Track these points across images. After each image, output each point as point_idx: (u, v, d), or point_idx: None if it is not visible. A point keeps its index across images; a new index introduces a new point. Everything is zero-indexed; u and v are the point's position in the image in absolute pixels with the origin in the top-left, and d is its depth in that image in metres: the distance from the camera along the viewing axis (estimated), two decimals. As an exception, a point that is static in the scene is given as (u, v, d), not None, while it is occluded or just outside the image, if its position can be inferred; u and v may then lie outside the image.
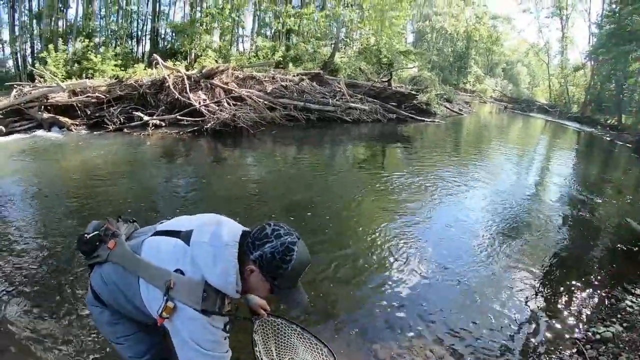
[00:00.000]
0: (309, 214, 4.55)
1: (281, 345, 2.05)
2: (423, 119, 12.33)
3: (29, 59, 15.78)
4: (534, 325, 2.89)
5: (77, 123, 9.32)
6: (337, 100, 10.81)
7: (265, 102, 9.56)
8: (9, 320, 2.54)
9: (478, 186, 5.98)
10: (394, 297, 3.10)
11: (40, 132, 8.92)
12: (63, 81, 10.31)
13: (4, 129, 8.52)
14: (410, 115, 12.17)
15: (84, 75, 12.10)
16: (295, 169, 6.81)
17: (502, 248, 4.02)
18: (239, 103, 9.33)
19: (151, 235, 1.34)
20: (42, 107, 9.47)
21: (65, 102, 9.56)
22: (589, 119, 17.24)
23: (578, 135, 13.81)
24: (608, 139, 12.87)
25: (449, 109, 15.10)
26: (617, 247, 4.24)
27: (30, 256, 3.33)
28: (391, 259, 3.65)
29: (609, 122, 16.85)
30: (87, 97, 9.72)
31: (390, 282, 3.29)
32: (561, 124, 16.22)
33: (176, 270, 1.20)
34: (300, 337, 2.05)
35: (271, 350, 2.00)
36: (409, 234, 4.15)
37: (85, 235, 1.38)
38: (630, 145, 11.35)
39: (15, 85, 10.08)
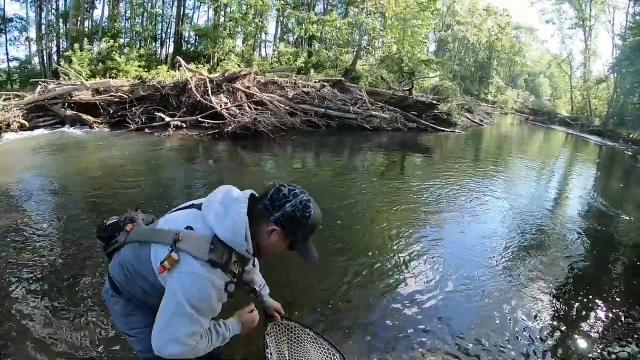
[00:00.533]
0: (328, 220, 4.43)
1: (294, 349, 2.03)
2: (443, 129, 12.13)
3: (55, 57, 16.22)
4: (549, 342, 2.81)
5: (100, 121, 9.47)
6: (357, 107, 10.70)
7: (286, 107, 9.53)
8: (25, 313, 2.55)
9: (498, 198, 5.88)
10: (410, 307, 3.05)
11: (63, 129, 9.10)
12: (87, 80, 10.50)
13: (27, 124, 8.70)
14: (430, 124, 11.98)
15: (107, 74, 12.33)
16: (315, 175, 6.74)
17: (520, 262, 3.94)
18: (260, 107, 9.31)
19: (166, 215, 1.38)
20: (66, 104, 9.67)
21: (88, 100, 9.73)
22: (610, 133, 16.78)
23: (599, 149, 13.43)
24: (630, 153, 12.49)
25: (469, 119, 14.85)
26: (636, 265, 4.13)
27: (47, 250, 3.35)
28: (408, 269, 3.61)
29: (631, 136, 16.27)
30: (110, 96, 9.87)
31: (406, 292, 3.24)
32: (582, 137, 15.84)
33: (186, 228, 1.23)
34: (314, 342, 2.02)
35: (284, 354, 1.97)
36: (428, 244, 4.09)
37: (105, 222, 1.45)
38: None
39: (40, 82, 10.31)
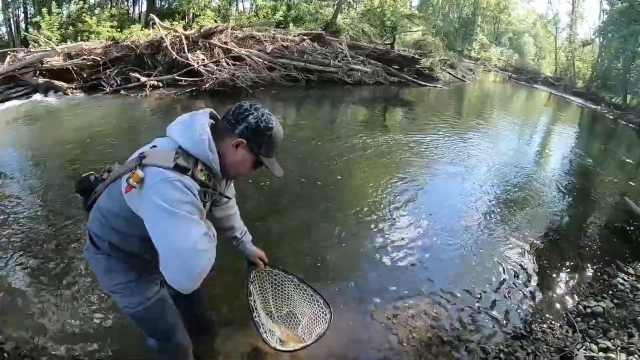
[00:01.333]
0: (311, 176, 4.51)
1: (279, 296, 2.06)
2: (425, 83, 12.07)
3: (23, 25, 15.40)
4: (526, 294, 2.95)
5: (73, 86, 9.12)
6: (338, 61, 10.54)
7: (265, 62, 9.34)
8: (10, 287, 2.57)
9: (478, 154, 5.96)
10: (392, 259, 3.15)
11: (36, 97, 8.74)
12: (58, 45, 10.04)
13: None
14: (412, 79, 11.90)
15: (79, 37, 11.79)
16: (296, 129, 6.72)
17: (499, 216, 4.06)
18: (238, 63, 9.11)
19: None
20: (37, 72, 9.25)
21: (60, 66, 9.33)
22: (593, 96, 16.71)
23: (581, 110, 13.54)
24: (611, 117, 12.55)
25: (452, 75, 14.76)
26: (612, 224, 4.29)
27: (29, 222, 3.33)
28: (391, 223, 3.69)
29: (613, 100, 16.41)
30: (82, 60, 9.48)
31: (389, 245, 3.34)
32: (565, 98, 15.86)
33: (151, 148, 1.25)
34: (297, 289, 2.05)
35: (268, 302, 2.02)
36: (410, 198, 4.18)
37: (81, 175, 1.44)
38: (633, 126, 11.12)
39: (9, 52, 9.85)
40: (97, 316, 2.37)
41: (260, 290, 1.97)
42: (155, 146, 1.26)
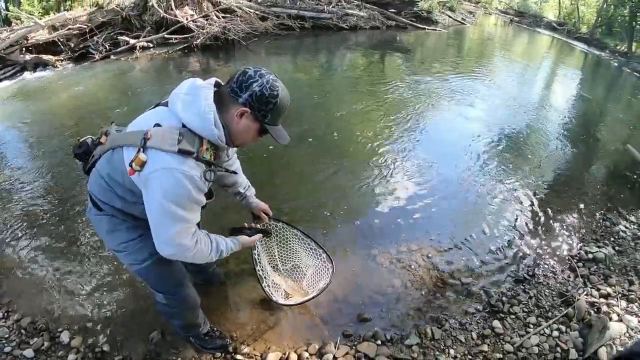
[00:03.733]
0: (308, 124, 4.45)
1: (284, 250, 2.09)
2: (424, 27, 11.58)
3: (2, 4, 14.91)
4: (528, 239, 2.94)
5: (62, 58, 8.85)
6: (332, 7, 10.07)
7: (257, 12, 8.94)
8: (20, 262, 2.58)
9: (479, 99, 5.80)
10: (393, 207, 3.14)
11: (25, 75, 8.50)
12: (41, 18, 9.70)
13: None
14: (410, 22, 11.41)
15: (61, 8, 11.40)
16: (291, 79, 6.51)
17: (503, 162, 4.00)
18: (228, 15, 8.73)
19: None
20: (23, 49, 8.98)
21: (46, 40, 9.03)
22: (597, 42, 16.03)
23: (585, 56, 12.97)
24: (615, 64, 12.07)
25: (451, 18, 14.13)
26: (615, 171, 4.22)
27: (34, 195, 3.30)
28: (389, 170, 3.65)
29: (618, 47, 15.77)
30: (68, 30, 9.14)
31: (391, 194, 3.31)
32: (568, 43, 15.21)
33: (155, 125, 1.19)
34: (301, 242, 2.07)
35: (274, 255, 2.05)
36: (409, 146, 4.13)
37: (79, 139, 1.41)
38: (637, 74, 10.64)
39: (-9, 34, 9.55)
40: (107, 280, 2.40)
41: (265, 244, 1.99)
42: (158, 124, 1.20)
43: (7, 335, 2.06)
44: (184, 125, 1.18)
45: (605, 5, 19.25)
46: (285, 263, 2.12)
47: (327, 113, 4.92)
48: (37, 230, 2.84)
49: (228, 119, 1.23)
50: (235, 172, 1.58)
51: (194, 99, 1.18)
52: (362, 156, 3.88)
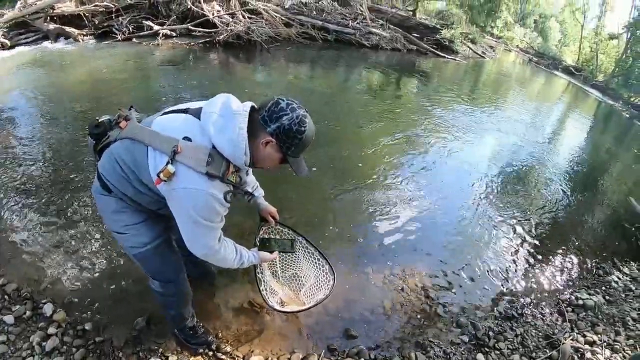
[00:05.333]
0: (317, 135, 4.40)
1: (286, 256, 2.08)
2: (444, 55, 11.71)
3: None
4: (521, 277, 2.98)
5: (85, 33, 8.93)
6: (357, 23, 10.21)
7: (282, 18, 9.08)
8: (14, 229, 2.58)
9: (489, 134, 5.87)
10: (392, 227, 3.17)
11: (46, 44, 8.57)
12: (71, -9, 9.83)
13: (8, 42, 8.19)
14: (431, 49, 11.53)
15: (92, -16, 11.51)
16: (308, 89, 6.59)
17: (503, 199, 4.04)
18: (254, 16, 8.85)
19: (161, 115, 1.34)
20: (48, 18, 9.07)
21: (72, 12, 9.13)
22: (612, 92, 16.20)
23: (598, 104, 13.12)
24: (627, 116, 12.18)
25: (472, 50, 14.28)
26: (614, 222, 4.26)
27: (36, 164, 3.32)
28: (391, 190, 3.70)
29: (632, 99, 15.88)
30: (95, 6, 9.26)
31: (391, 213, 3.35)
32: (584, 89, 15.39)
33: (184, 138, 1.21)
34: (305, 250, 2.06)
35: (275, 261, 2.02)
36: (412, 169, 4.18)
37: (97, 119, 1.41)
38: None
39: (19, -3, 9.65)
40: (99, 260, 2.40)
41: (268, 248, 1.94)
42: (188, 138, 1.22)
43: (-11, 298, 2.04)
44: (213, 146, 1.21)
45: (624, 56, 19.51)
46: (285, 270, 2.10)
47: (335, 124, 4.95)
48: (34, 201, 2.83)
49: (254, 145, 1.27)
50: (252, 194, 1.66)
51: (226, 124, 1.21)
52: (364, 171, 3.91)
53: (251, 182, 1.79)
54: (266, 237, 1.93)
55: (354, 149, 4.40)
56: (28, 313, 2.00)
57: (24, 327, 1.95)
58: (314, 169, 3.72)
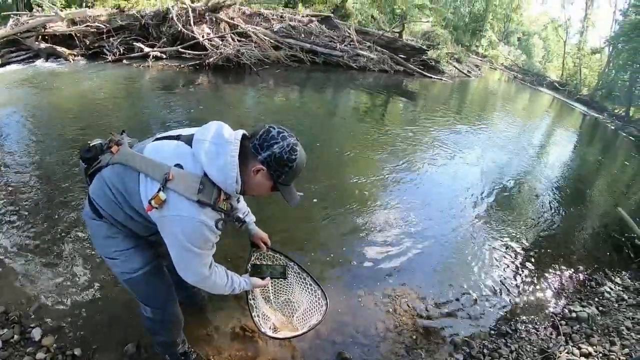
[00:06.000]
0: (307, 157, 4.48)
1: (278, 282, 2.07)
2: (430, 75, 11.99)
3: (27, -11, 15.11)
4: (514, 293, 3.00)
5: (75, 53, 8.99)
6: (345, 45, 10.45)
7: (271, 41, 9.25)
8: (3, 252, 2.56)
9: (475, 151, 5.96)
10: (382, 249, 3.19)
11: (37, 63, 8.60)
12: (62, 10, 9.88)
13: None
14: (418, 70, 11.80)
15: (84, 4, 11.60)
16: (295, 110, 6.73)
17: (493, 216, 4.09)
18: (243, 39, 9.01)
19: (152, 141, 1.35)
20: (40, 37, 9.11)
21: (63, 32, 9.18)
22: (597, 105, 16.65)
23: (583, 118, 13.48)
24: (612, 127, 12.59)
25: (458, 69, 14.65)
26: (604, 233, 4.35)
27: (24, 184, 3.33)
28: (381, 212, 3.72)
29: (616, 111, 16.38)
30: (86, 26, 9.32)
31: (380, 235, 3.37)
32: (568, 103, 15.80)
33: (176, 165, 1.23)
34: (297, 276, 2.06)
35: (267, 286, 2.01)
36: (402, 190, 4.22)
37: (89, 143, 1.41)
38: (633, 139, 11.09)
39: (12, 15, 9.67)
40: (89, 283, 2.39)
41: (260, 273, 1.92)
42: (180, 165, 1.24)
43: (-24, 321, 2.01)
44: (205, 174, 1.22)
45: (607, 70, 20.06)
46: (278, 296, 2.07)
47: (322, 146, 5.02)
48: (22, 223, 2.82)
49: (245, 173, 1.27)
50: (243, 221, 1.62)
51: (218, 151, 1.22)
52: (353, 199, 3.92)
53: (242, 208, 1.79)
54: (257, 263, 1.92)
55: (344, 171, 4.46)
56: (16, 337, 1.96)
57: (11, 351, 1.91)
58: (301, 193, 3.77)
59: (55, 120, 4.81)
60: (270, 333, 1.81)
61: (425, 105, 8.92)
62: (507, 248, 3.55)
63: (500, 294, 2.93)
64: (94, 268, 2.48)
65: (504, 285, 3.04)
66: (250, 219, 1.85)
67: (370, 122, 6.75)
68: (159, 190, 1.19)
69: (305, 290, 2.04)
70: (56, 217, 2.94)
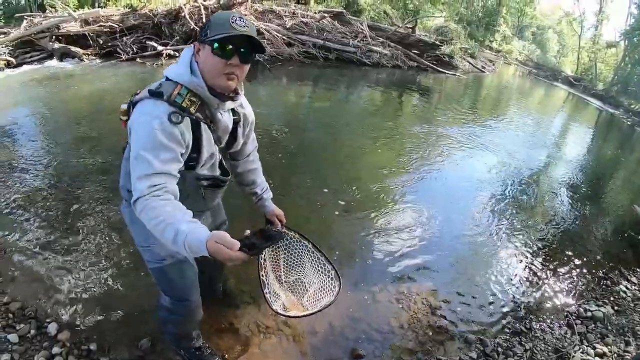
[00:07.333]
0: (320, 154, 4.52)
1: (290, 260, 2.01)
2: (444, 71, 11.82)
3: (41, -10, 15.32)
4: (528, 292, 2.94)
5: (89, 53, 9.07)
6: (357, 41, 10.34)
7: (284, 38, 9.19)
8: (20, 248, 2.56)
9: (490, 149, 5.84)
10: (397, 245, 3.15)
11: (51, 63, 8.68)
12: (75, 11, 9.98)
13: (14, 60, 8.32)
14: (431, 65, 11.64)
15: (96, 4, 11.71)
16: (309, 106, 6.68)
17: (507, 213, 4.01)
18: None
19: None
20: (53, 37, 9.21)
21: (77, 32, 9.28)
22: (612, 100, 16.19)
23: (599, 113, 13.14)
24: (629, 123, 12.20)
25: (471, 64, 14.42)
26: (620, 230, 4.21)
27: (39, 182, 3.33)
28: (397, 208, 3.68)
29: (632, 106, 15.81)
30: (99, 26, 9.41)
31: (394, 232, 3.33)
32: (584, 98, 15.44)
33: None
34: (310, 255, 2.00)
35: (279, 264, 1.96)
36: (419, 187, 4.17)
37: None
38: None
39: (25, 17, 9.80)
40: (105, 278, 2.38)
41: (273, 250, 1.92)
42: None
43: (-7, 316, 2.03)
44: (166, 78, 1.24)
45: (622, 64, 19.64)
46: (289, 275, 2.00)
47: (336, 144, 4.99)
48: (38, 220, 2.84)
49: (195, 60, 1.23)
50: (261, 197, 1.67)
51: (181, 56, 1.27)
52: (367, 195, 3.89)
53: (260, 183, 1.76)
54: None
55: (360, 167, 4.42)
56: (32, 332, 1.97)
57: (27, 346, 1.92)
58: (325, 190, 3.73)
59: (69, 119, 4.82)
60: (281, 310, 1.76)
61: (438, 101, 8.79)
62: (521, 245, 3.48)
63: (515, 292, 2.88)
64: (109, 264, 2.48)
65: (519, 283, 2.99)
66: (268, 195, 1.80)
67: (384, 118, 6.65)
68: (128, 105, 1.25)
69: (318, 271, 1.99)
70: (72, 213, 2.94)
